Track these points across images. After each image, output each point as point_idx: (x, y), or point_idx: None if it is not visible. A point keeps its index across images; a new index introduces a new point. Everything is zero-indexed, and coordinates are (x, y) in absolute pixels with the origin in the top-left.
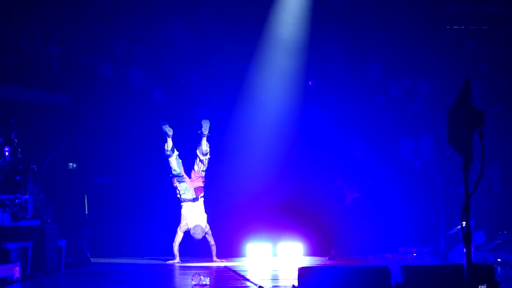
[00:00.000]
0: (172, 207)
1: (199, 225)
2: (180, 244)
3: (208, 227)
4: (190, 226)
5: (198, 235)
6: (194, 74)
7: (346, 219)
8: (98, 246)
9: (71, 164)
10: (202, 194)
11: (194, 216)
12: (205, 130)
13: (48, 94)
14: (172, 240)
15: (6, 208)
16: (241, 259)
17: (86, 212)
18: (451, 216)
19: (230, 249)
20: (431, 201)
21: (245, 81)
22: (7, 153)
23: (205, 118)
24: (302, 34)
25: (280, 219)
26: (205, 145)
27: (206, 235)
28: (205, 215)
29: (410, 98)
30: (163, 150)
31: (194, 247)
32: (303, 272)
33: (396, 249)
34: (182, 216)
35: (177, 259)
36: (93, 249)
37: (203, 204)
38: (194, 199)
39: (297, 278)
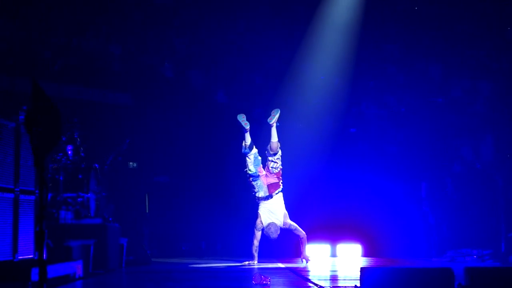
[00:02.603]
0: (232, 206)
1: (273, 223)
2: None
3: (289, 223)
4: (264, 224)
5: (272, 234)
6: (254, 75)
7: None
8: (158, 245)
9: (131, 163)
10: (277, 191)
11: (269, 214)
12: (271, 119)
13: (110, 94)
14: (231, 239)
15: (69, 206)
16: (297, 259)
17: (147, 211)
18: None
19: (289, 250)
20: (492, 202)
21: (305, 82)
22: (70, 152)
23: (264, 118)
24: (361, 35)
25: (339, 220)
26: (275, 137)
27: (293, 230)
28: (284, 212)
29: (471, 99)
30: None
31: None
32: (365, 273)
33: (456, 251)
34: (258, 215)
35: (255, 260)
36: (153, 247)
37: (280, 201)
38: (267, 197)
39: (359, 278)
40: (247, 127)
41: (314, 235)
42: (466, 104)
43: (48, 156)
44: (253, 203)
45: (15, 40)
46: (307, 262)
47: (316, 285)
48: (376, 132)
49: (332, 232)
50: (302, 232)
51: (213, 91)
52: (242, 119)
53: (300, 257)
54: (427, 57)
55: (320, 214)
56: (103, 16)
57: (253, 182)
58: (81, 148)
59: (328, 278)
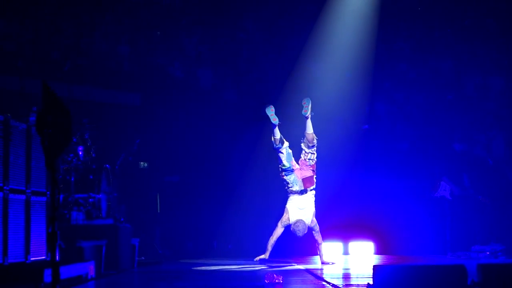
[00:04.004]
0: (243, 205)
1: (302, 221)
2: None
3: (315, 222)
4: (292, 221)
5: (299, 232)
6: (264, 73)
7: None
8: (170, 245)
9: (142, 163)
10: (312, 187)
11: (298, 210)
12: (305, 111)
13: (120, 94)
14: (243, 238)
15: (80, 207)
16: (313, 257)
17: (158, 211)
18: None
19: (301, 248)
20: (504, 198)
21: (314, 81)
22: (80, 153)
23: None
24: (371, 32)
25: (351, 218)
26: (310, 128)
27: (313, 232)
28: (313, 210)
29: (482, 95)
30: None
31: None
32: (378, 270)
33: (469, 247)
34: (285, 210)
35: (267, 255)
36: (165, 247)
37: (312, 198)
38: (302, 192)
39: (372, 276)
40: (276, 122)
41: (326, 233)
42: (477, 100)
43: (59, 157)
44: (267, 201)
45: (25, 42)
46: (332, 264)
47: (329, 283)
48: (387, 129)
49: (344, 230)
50: (320, 238)
51: (222, 90)
52: (271, 112)
53: (322, 263)
54: (439, 54)
55: (332, 212)
56: (111, 16)
57: (286, 177)
58: (92, 149)
59: (341, 276)
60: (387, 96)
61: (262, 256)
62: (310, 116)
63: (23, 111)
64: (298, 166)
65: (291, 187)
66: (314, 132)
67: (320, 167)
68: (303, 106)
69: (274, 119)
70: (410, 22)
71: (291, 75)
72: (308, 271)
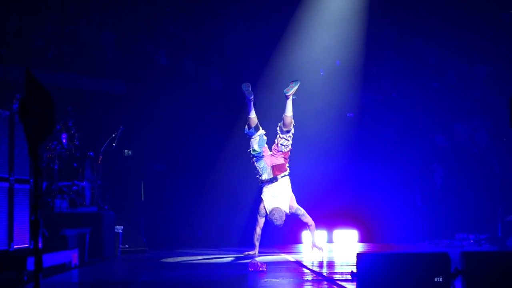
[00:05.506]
0: (228, 193)
1: (278, 208)
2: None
3: (295, 207)
4: (268, 210)
5: (276, 221)
6: (249, 61)
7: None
8: (154, 233)
9: (126, 151)
10: (283, 174)
11: (273, 199)
12: (288, 90)
13: (104, 82)
14: (228, 227)
15: (64, 195)
16: (297, 246)
17: (142, 199)
18: (509, 202)
19: (286, 236)
20: (488, 187)
21: (300, 68)
22: (64, 141)
23: (258, 106)
24: (357, 20)
25: (335, 206)
26: (289, 110)
27: (299, 216)
28: (290, 196)
29: (467, 83)
30: (221, 134)
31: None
32: (362, 259)
33: (453, 236)
34: (261, 200)
35: (256, 251)
36: (149, 235)
37: (287, 184)
38: (272, 180)
39: (355, 264)
40: (251, 97)
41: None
42: (462, 89)
43: (42, 145)
44: (251, 190)
45: (8, 29)
46: (322, 251)
47: (313, 271)
48: (372, 117)
49: (329, 218)
50: (310, 220)
51: (208, 77)
52: (247, 88)
53: (312, 246)
54: (424, 42)
55: (316, 200)
56: (96, 3)
57: (255, 163)
58: (76, 137)
59: (325, 264)
60: (372, 83)
61: (252, 253)
62: (291, 97)
63: (7, 98)
64: (270, 153)
65: (260, 175)
66: (299, 117)
67: (304, 155)
68: (288, 85)
69: (249, 93)
70: (397, 10)
71: (277, 63)
72: (293, 259)
